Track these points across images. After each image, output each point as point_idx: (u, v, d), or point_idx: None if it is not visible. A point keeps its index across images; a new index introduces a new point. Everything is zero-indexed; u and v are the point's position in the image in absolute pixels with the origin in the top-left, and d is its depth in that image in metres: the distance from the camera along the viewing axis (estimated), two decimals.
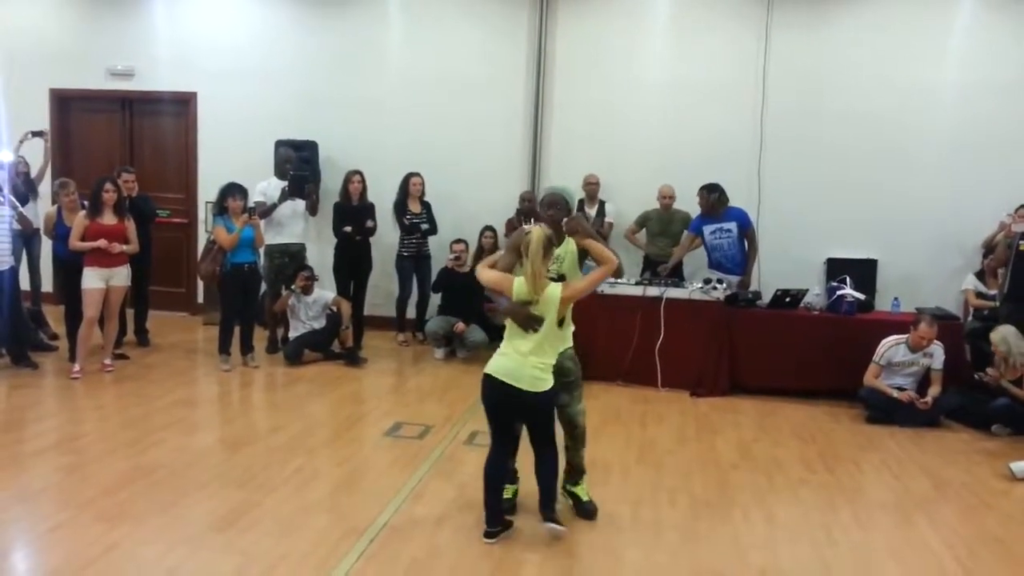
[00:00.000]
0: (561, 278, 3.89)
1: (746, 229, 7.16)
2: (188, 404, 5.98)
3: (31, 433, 5.12)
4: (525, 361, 3.66)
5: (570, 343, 3.99)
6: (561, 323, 3.77)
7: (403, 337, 8.12)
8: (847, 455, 5.36)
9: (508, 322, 3.78)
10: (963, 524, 4.29)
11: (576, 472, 4.20)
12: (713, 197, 7.06)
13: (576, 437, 4.12)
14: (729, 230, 7.12)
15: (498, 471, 3.84)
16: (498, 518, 3.84)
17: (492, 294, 3.93)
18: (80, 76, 9.04)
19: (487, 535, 3.78)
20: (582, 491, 4.18)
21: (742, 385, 6.74)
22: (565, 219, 3.90)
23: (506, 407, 3.77)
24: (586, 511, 4.09)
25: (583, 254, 3.96)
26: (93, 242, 6.33)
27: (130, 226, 6.60)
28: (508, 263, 3.88)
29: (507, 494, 4.06)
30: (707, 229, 7.18)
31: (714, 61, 8.00)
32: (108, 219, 6.47)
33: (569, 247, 3.94)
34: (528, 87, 8.34)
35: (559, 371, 3.84)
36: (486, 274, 3.90)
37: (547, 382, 3.69)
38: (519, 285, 3.72)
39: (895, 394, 6.02)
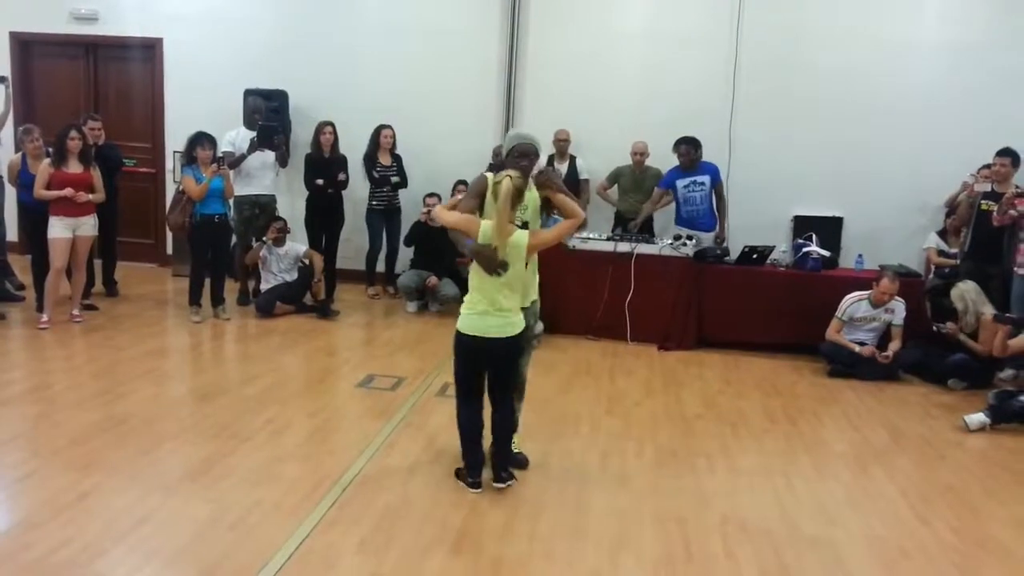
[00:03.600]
0: (524, 225, 3.85)
1: (717, 183, 7.22)
2: (159, 355, 5.97)
3: None
4: (497, 310, 3.69)
5: (535, 295, 4.03)
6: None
7: (373, 290, 8.12)
8: (808, 407, 5.51)
9: (473, 272, 3.76)
10: (918, 474, 4.45)
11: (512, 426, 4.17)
12: (699, 153, 7.11)
13: (518, 388, 4.11)
14: (702, 183, 7.16)
15: (476, 425, 3.90)
16: (481, 468, 3.90)
17: (457, 236, 3.86)
18: (42, 19, 8.79)
19: (474, 486, 3.84)
20: (513, 445, 4.15)
21: (709, 339, 6.86)
22: (535, 172, 3.87)
23: (479, 359, 3.81)
24: (517, 462, 4.11)
25: (546, 203, 3.93)
26: (59, 191, 6.22)
27: (96, 175, 6.49)
28: (469, 207, 3.82)
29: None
30: (680, 183, 7.20)
31: (689, 15, 7.96)
32: (74, 167, 6.35)
33: (532, 194, 3.89)
34: (502, 40, 8.25)
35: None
36: (448, 216, 3.83)
37: (519, 325, 3.75)
38: (486, 228, 3.68)
39: (857, 348, 6.17)
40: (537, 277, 4.06)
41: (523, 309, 3.86)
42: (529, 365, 4.17)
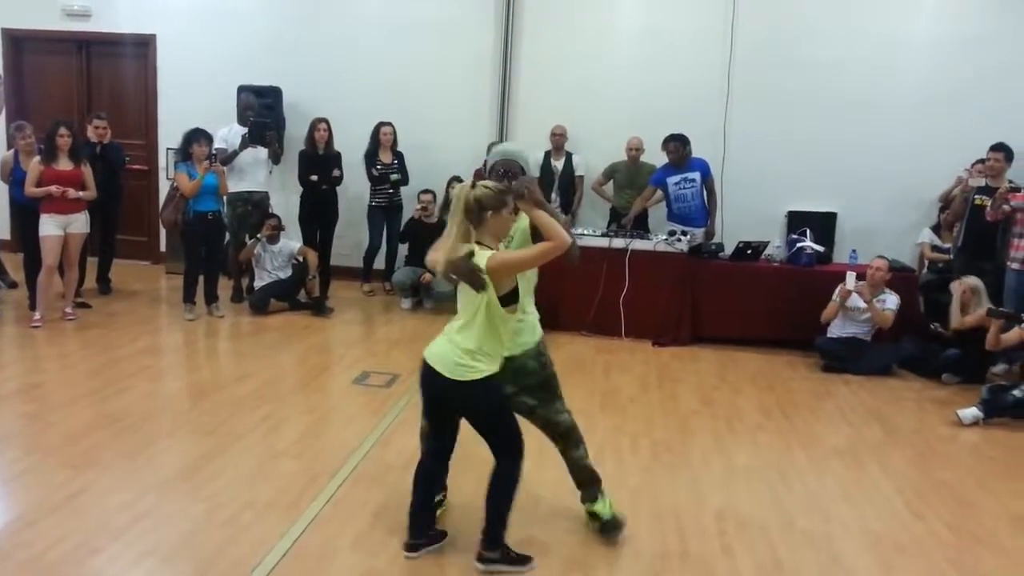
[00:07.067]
0: None
1: (707, 178, 7.22)
2: (153, 353, 5.95)
3: None
4: (451, 341, 3.04)
5: (535, 336, 3.34)
6: (511, 299, 3.01)
7: (369, 287, 8.11)
8: (803, 402, 5.52)
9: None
10: (912, 468, 4.46)
11: (586, 483, 3.50)
12: (687, 149, 7.09)
13: (562, 437, 3.44)
14: (693, 180, 7.16)
15: (429, 474, 3.29)
16: (421, 528, 3.27)
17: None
18: (33, 16, 8.75)
19: (408, 547, 3.24)
20: (603, 507, 3.47)
21: (703, 335, 6.86)
22: (515, 182, 3.09)
23: (436, 397, 3.14)
24: (609, 529, 3.43)
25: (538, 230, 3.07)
26: (47, 187, 6.18)
27: (87, 172, 6.46)
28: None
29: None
30: (671, 180, 7.19)
31: (684, 11, 7.95)
32: (64, 164, 6.32)
33: (520, 223, 3.16)
34: (497, 36, 8.24)
35: (519, 370, 3.25)
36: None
37: (472, 371, 2.97)
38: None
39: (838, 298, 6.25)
40: (534, 315, 3.37)
41: (515, 358, 3.22)
42: (565, 413, 3.44)
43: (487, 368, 3.01)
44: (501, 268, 2.94)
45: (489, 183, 3.03)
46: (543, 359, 3.36)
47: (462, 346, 3.00)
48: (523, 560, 3.19)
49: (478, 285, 2.93)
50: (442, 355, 3.04)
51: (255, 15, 8.48)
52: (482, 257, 2.93)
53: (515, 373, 3.24)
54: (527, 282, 3.25)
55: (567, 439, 3.45)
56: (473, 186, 2.98)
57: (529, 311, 3.33)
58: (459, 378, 2.99)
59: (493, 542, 3.13)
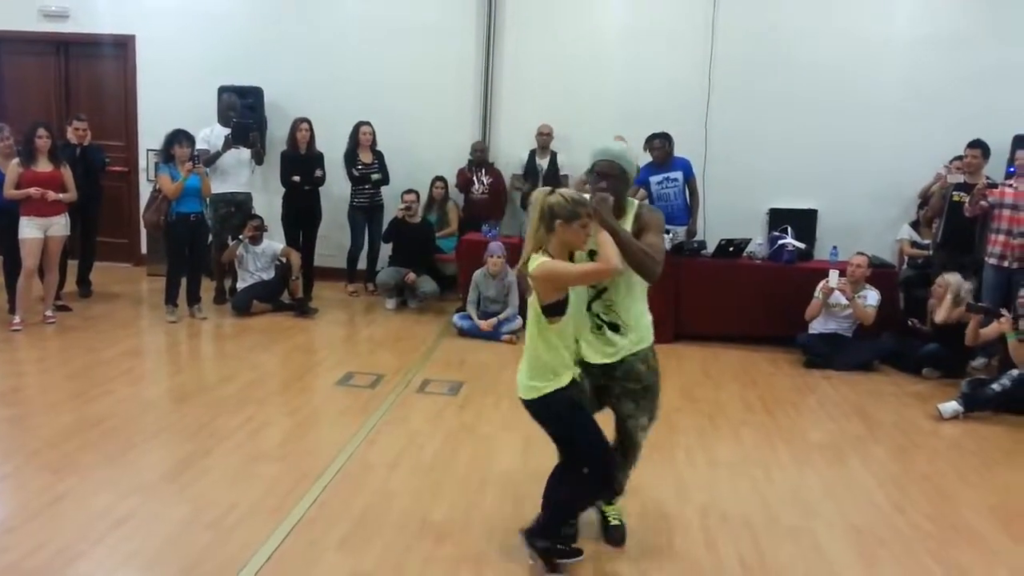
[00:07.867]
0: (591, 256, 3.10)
1: (689, 178, 7.24)
2: (134, 355, 5.91)
3: None
4: (523, 356, 3.09)
5: (649, 340, 3.27)
6: (557, 310, 2.94)
7: (353, 287, 8.09)
8: (785, 398, 5.55)
9: None
10: (893, 462, 4.51)
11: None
12: (671, 146, 7.11)
13: (625, 454, 3.41)
14: (676, 179, 7.18)
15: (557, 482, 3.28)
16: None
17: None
18: (10, 17, 8.66)
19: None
20: (613, 512, 3.54)
21: (686, 332, 6.89)
22: (596, 197, 2.98)
23: None
24: (613, 536, 3.45)
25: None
26: (26, 190, 6.12)
27: (67, 173, 6.40)
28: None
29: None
30: (654, 180, 7.20)
31: (665, 11, 7.99)
32: (43, 166, 6.27)
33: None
34: (479, 36, 8.24)
35: (627, 372, 3.21)
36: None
37: (531, 389, 3.03)
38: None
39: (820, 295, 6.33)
40: (645, 316, 3.29)
41: (625, 360, 3.20)
42: (646, 431, 3.38)
43: (545, 385, 2.99)
44: (544, 278, 2.90)
45: (567, 192, 2.96)
46: (651, 364, 3.29)
47: (525, 361, 3.05)
48: (571, 554, 3.21)
49: (525, 290, 2.99)
50: (520, 372, 3.09)
51: (235, 15, 8.44)
52: (534, 263, 2.91)
53: (624, 375, 3.23)
54: (633, 286, 3.18)
55: (628, 456, 3.43)
56: (551, 192, 2.93)
57: (644, 312, 3.28)
58: (523, 396, 3.07)
59: (545, 534, 3.16)
